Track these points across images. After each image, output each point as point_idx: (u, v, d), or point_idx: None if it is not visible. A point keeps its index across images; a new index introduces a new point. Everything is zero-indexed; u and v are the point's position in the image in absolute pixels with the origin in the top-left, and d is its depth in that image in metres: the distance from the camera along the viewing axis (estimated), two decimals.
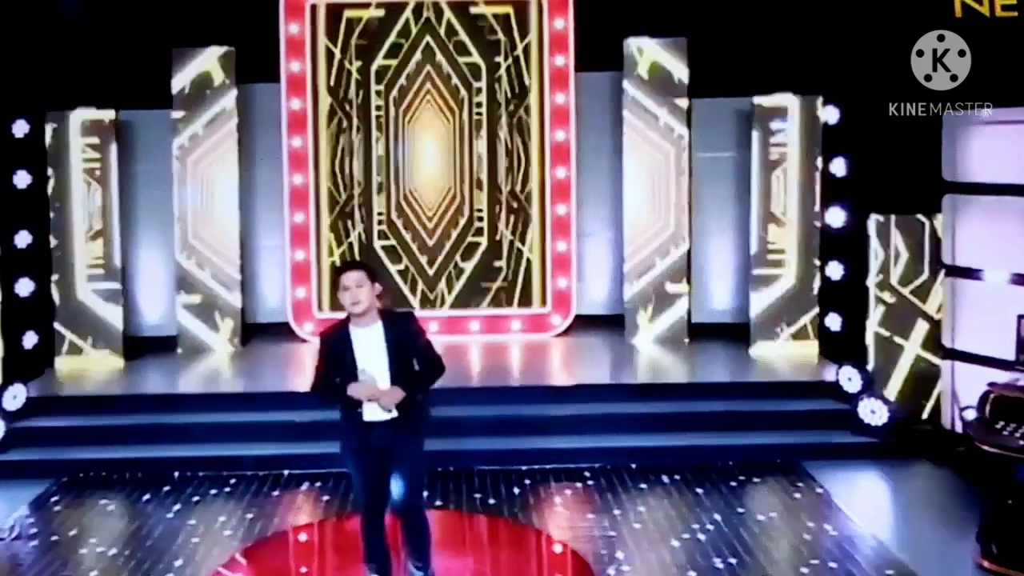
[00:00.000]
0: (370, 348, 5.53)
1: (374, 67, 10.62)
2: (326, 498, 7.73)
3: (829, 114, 9.98)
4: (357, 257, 10.73)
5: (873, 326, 9.08)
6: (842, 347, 9.69)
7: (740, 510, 7.40)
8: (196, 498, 7.77)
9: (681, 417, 8.70)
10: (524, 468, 8.20)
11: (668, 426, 8.63)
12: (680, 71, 10.32)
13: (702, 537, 6.89)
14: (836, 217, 9.90)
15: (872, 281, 9.05)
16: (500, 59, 10.65)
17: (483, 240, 10.82)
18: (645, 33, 10.33)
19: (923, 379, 8.89)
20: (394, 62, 10.61)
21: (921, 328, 8.95)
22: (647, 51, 10.34)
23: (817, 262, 10.11)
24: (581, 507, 7.51)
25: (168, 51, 10.17)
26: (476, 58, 10.65)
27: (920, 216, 8.89)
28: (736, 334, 10.57)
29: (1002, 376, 8.23)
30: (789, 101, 10.11)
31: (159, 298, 10.79)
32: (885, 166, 9.23)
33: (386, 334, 5.56)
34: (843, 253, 9.82)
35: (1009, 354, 7.78)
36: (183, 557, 6.68)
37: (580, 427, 8.63)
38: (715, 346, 10.44)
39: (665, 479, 7.98)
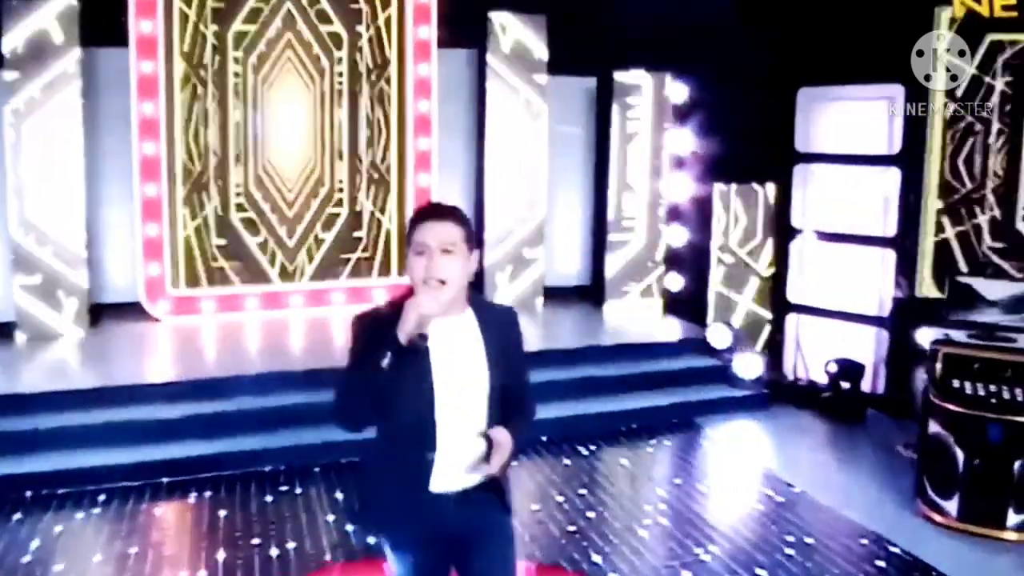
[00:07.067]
0: (457, 351, 2.50)
1: (231, 32, 7.99)
2: (223, 512, 5.10)
3: (679, 91, 8.50)
4: (214, 232, 8.13)
5: (715, 284, 8.05)
6: (682, 304, 8.51)
7: (677, 481, 5.80)
8: (58, 527, 4.89)
9: (571, 384, 6.87)
10: None
11: (563, 394, 6.73)
12: (540, 49, 8.50)
13: (664, 509, 5.25)
14: (681, 187, 8.50)
15: (714, 243, 8.03)
16: (362, 29, 8.32)
17: (343, 211, 8.51)
18: (506, 8, 8.37)
19: (753, 330, 7.94)
20: (253, 27, 8.03)
21: (752, 284, 8.05)
22: (509, 27, 8.43)
23: (662, 227, 8.68)
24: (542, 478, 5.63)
25: None
26: (337, 27, 8.25)
27: (755, 185, 7.97)
28: (585, 295, 9.02)
29: (860, 329, 7.36)
30: (642, 78, 8.53)
31: None
32: (739, 139, 7.98)
33: (483, 331, 2.54)
34: (692, 219, 8.51)
35: (844, 307, 7.45)
36: None
37: None
38: (569, 308, 8.77)
39: (582, 450, 6.26)
